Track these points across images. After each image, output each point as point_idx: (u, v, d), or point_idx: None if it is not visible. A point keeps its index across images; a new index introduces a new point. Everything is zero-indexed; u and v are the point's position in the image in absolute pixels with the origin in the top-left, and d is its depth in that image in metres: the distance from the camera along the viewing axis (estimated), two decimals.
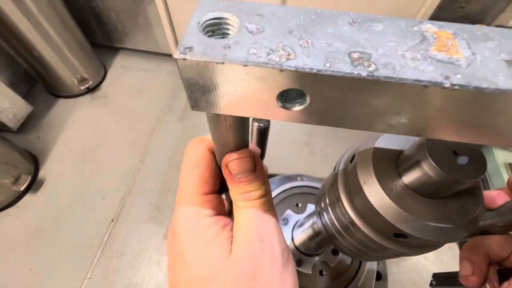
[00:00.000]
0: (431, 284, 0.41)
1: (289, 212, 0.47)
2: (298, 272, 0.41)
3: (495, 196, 0.24)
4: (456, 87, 0.10)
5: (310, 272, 0.42)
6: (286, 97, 0.12)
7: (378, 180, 0.17)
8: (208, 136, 0.23)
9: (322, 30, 0.11)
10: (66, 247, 1.35)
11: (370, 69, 0.10)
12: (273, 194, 0.49)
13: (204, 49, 0.10)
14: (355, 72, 0.10)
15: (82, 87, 1.84)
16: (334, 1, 1.54)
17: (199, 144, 0.24)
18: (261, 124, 0.30)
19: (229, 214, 0.25)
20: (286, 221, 0.46)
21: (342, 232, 0.23)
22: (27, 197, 1.46)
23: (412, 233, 0.16)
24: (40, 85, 1.90)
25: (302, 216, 0.46)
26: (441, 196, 0.18)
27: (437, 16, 1.47)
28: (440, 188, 0.16)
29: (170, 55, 2.13)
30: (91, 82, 1.87)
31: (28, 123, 1.68)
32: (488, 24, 1.43)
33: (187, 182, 0.23)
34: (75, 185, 1.52)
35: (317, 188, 0.49)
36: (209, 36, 0.11)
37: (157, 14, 1.91)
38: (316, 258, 0.43)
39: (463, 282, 0.24)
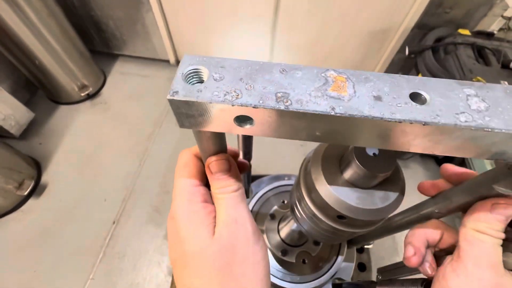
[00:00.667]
0: (377, 279, 0.46)
1: (276, 208, 0.52)
2: (284, 261, 0.46)
3: (431, 186, 0.30)
4: (338, 114, 0.15)
5: (294, 261, 0.47)
6: (240, 119, 0.17)
7: (325, 176, 0.23)
8: (195, 147, 0.29)
9: (262, 77, 0.16)
10: (69, 249, 1.39)
11: (287, 104, 0.16)
12: (261, 192, 0.54)
13: (185, 92, 0.16)
14: (276, 107, 0.16)
15: (82, 94, 1.89)
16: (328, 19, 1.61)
17: (188, 152, 0.31)
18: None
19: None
20: (273, 216, 0.51)
21: (309, 222, 0.29)
22: (30, 201, 1.51)
23: (348, 215, 0.22)
24: (41, 92, 1.95)
25: (287, 212, 0.51)
26: (370, 186, 0.23)
27: (424, 21, 1.53)
28: (366, 180, 0.22)
29: (167, 61, 2.19)
30: (91, 89, 1.92)
31: (30, 130, 1.73)
32: (472, 28, 1.50)
33: (180, 179, 0.29)
34: (77, 189, 1.57)
35: None
36: (189, 82, 0.16)
37: (155, 21, 1.97)
38: (300, 249, 0.48)
39: (406, 262, 0.29)
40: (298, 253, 0.48)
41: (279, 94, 0.16)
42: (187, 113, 0.17)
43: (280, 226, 0.49)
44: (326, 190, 0.24)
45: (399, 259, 1.58)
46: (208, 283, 0.24)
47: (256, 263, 0.25)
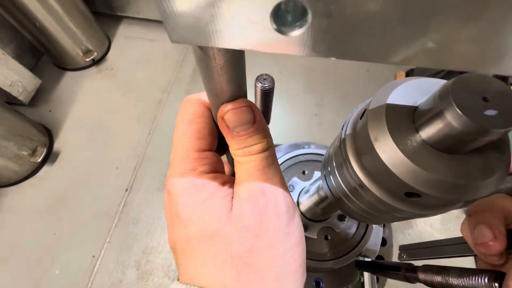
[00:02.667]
0: (400, 257, 0.41)
1: (295, 179, 0.47)
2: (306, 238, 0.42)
3: None
4: None
5: (316, 237, 0.42)
6: (282, 15, 0.10)
7: (392, 135, 0.16)
8: (204, 93, 0.22)
9: None
10: (85, 214, 1.43)
11: None
12: (280, 161, 0.49)
13: None
14: None
15: (87, 59, 1.81)
16: None
17: (195, 100, 0.23)
18: (265, 85, 0.28)
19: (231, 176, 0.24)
20: (292, 188, 0.46)
21: (350, 195, 0.22)
22: (45, 168, 1.53)
23: (425, 191, 0.16)
24: (46, 58, 1.89)
25: (308, 183, 0.45)
26: (463, 151, 0.16)
27: None
28: (463, 141, 0.15)
29: None
30: (96, 53, 1.84)
31: (38, 97, 1.70)
32: None
33: (182, 138, 0.21)
34: (89, 156, 1.57)
35: (323, 155, 0.49)
36: None
37: None
38: (322, 224, 0.43)
39: (482, 250, 0.21)
40: (320, 229, 0.43)
41: None
42: (184, 6, 0.10)
43: (300, 199, 0.44)
44: (393, 154, 0.16)
45: (412, 232, 1.55)
46: (220, 274, 0.18)
47: (288, 249, 0.19)
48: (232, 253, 0.18)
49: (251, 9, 0.09)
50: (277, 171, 0.20)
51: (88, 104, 1.75)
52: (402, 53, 0.10)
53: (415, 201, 0.17)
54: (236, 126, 0.19)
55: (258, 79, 0.26)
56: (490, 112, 0.13)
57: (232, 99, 0.18)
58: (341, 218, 0.44)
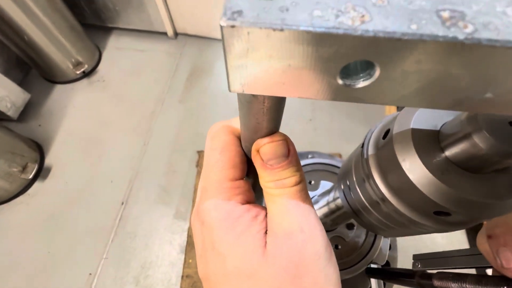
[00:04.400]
0: (414, 266, 0.41)
1: None
2: None
3: None
4: None
5: None
6: (351, 70, 0.10)
7: (419, 156, 0.17)
8: (233, 122, 0.22)
9: None
10: (80, 230, 1.39)
11: (468, 30, 0.08)
12: None
13: (257, 13, 0.09)
14: (450, 35, 0.08)
15: (77, 72, 1.79)
16: None
17: (226, 128, 0.23)
18: None
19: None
20: None
21: (370, 208, 0.23)
22: (36, 185, 1.48)
23: (457, 210, 0.16)
24: (34, 71, 1.85)
25: (316, 193, 0.46)
26: (488, 170, 0.17)
27: None
28: (490, 161, 0.15)
29: (165, 34, 2.05)
30: (86, 66, 1.82)
31: (28, 112, 1.66)
32: None
33: (215, 167, 0.21)
34: (82, 171, 1.53)
35: (329, 165, 0.49)
36: None
37: None
38: (331, 234, 0.44)
39: (510, 274, 0.20)
40: (330, 239, 0.44)
41: (444, 14, 0.09)
42: (253, 60, 0.10)
43: None
44: (422, 175, 0.16)
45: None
46: None
47: None
48: None
49: (322, 67, 0.10)
50: (311, 206, 0.20)
51: (80, 118, 1.72)
52: (456, 102, 0.11)
53: (443, 219, 0.18)
54: (271, 159, 0.19)
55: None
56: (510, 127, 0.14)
57: (269, 132, 0.18)
58: (350, 227, 0.44)
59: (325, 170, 0.49)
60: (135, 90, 1.84)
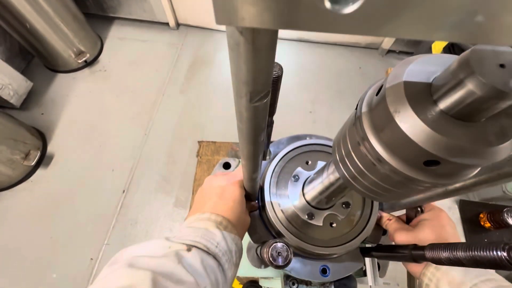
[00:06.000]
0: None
1: (299, 169, 0.48)
2: (310, 225, 0.43)
3: None
4: None
5: (321, 224, 0.43)
6: None
7: (412, 106, 0.17)
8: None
9: None
10: (82, 217, 1.41)
11: None
12: (283, 152, 0.49)
13: None
14: None
15: (79, 61, 1.79)
16: None
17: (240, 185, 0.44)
18: (274, 72, 0.29)
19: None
20: (297, 178, 0.47)
21: (366, 171, 0.23)
22: (39, 172, 1.50)
23: (446, 157, 0.17)
24: (37, 60, 1.86)
25: (312, 173, 0.46)
26: (479, 118, 0.17)
27: None
28: (482, 108, 0.16)
29: (167, 24, 2.04)
30: (88, 55, 1.82)
31: (30, 100, 1.67)
32: None
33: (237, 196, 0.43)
34: (84, 159, 1.55)
35: (326, 145, 0.50)
36: None
37: None
38: (327, 211, 0.44)
39: None
40: (325, 216, 0.44)
41: None
42: None
43: (305, 189, 0.45)
44: (414, 124, 0.17)
45: None
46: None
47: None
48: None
49: None
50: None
51: (82, 106, 1.72)
52: (448, 30, 0.10)
53: (434, 170, 0.18)
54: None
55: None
56: (501, 69, 0.14)
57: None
58: (346, 206, 0.45)
59: (322, 151, 0.49)
60: (137, 80, 1.84)
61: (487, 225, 1.33)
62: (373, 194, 0.25)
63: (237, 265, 0.38)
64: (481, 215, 1.39)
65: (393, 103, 0.18)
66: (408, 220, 0.48)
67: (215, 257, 0.33)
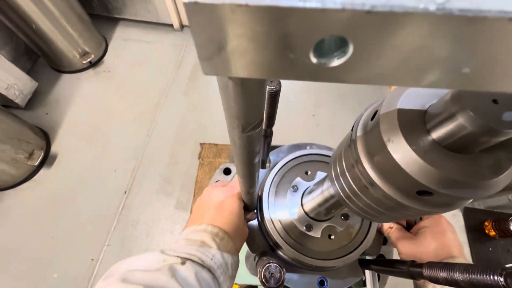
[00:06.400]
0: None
1: (298, 179, 0.47)
2: (308, 236, 0.42)
3: None
4: None
5: (319, 236, 0.43)
6: (321, 51, 0.10)
7: (404, 136, 0.17)
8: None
9: None
10: (83, 217, 1.42)
11: (439, 0, 0.08)
12: (283, 162, 0.49)
13: None
14: (421, 6, 0.08)
15: (84, 62, 1.80)
16: None
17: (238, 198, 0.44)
18: (272, 87, 0.29)
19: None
20: (295, 188, 0.47)
21: (359, 193, 0.23)
22: (42, 171, 1.51)
23: (438, 189, 0.16)
24: (42, 60, 1.87)
25: (311, 183, 0.46)
26: (473, 151, 0.17)
27: None
28: (474, 141, 0.16)
29: (171, 25, 2.05)
30: (93, 56, 1.83)
31: (35, 100, 1.69)
32: None
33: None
34: (87, 159, 1.56)
35: (326, 156, 0.49)
36: None
37: None
38: (326, 223, 0.44)
39: None
40: (324, 228, 0.44)
41: None
42: (221, 40, 0.10)
43: (304, 200, 0.45)
44: (406, 154, 0.17)
45: None
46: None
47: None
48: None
49: (292, 49, 0.10)
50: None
51: (86, 107, 1.74)
52: (433, 78, 0.10)
53: (427, 199, 0.18)
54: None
55: (265, 82, 0.26)
56: (507, 115, 0.14)
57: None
58: (345, 217, 0.44)
59: (322, 161, 0.49)
60: (140, 81, 1.85)
61: (492, 233, 1.31)
62: (367, 214, 0.24)
63: (233, 277, 0.38)
64: (486, 223, 1.37)
65: (386, 132, 0.17)
66: (408, 226, 0.49)
67: (210, 270, 0.33)
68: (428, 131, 0.17)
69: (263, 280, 0.34)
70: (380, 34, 0.09)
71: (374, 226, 0.44)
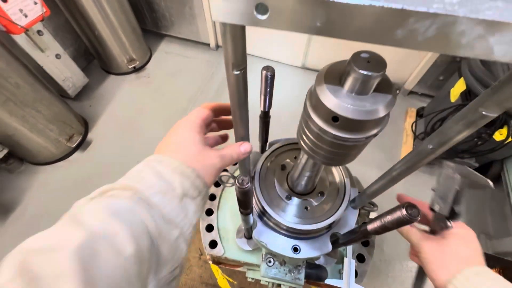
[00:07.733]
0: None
1: (287, 161, 0.56)
2: (288, 205, 0.51)
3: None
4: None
5: (297, 206, 0.51)
6: (261, 10, 0.19)
7: (328, 88, 0.27)
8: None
9: None
10: None
11: None
12: (275, 146, 0.58)
13: None
14: None
15: (130, 66, 2.07)
16: None
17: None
18: (268, 72, 0.41)
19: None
20: (284, 167, 0.55)
21: (316, 141, 0.33)
22: (76, 154, 1.71)
23: (342, 114, 0.26)
24: (96, 62, 2.18)
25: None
26: (366, 92, 0.27)
27: None
28: (362, 85, 0.26)
29: (208, 45, 2.31)
30: (137, 62, 2.11)
31: (83, 93, 1.95)
32: None
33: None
34: (116, 149, 1.74)
35: None
36: None
37: (201, 4, 2.09)
38: (305, 197, 0.52)
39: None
40: (302, 201, 0.52)
41: None
42: None
43: (288, 176, 0.53)
44: (327, 95, 0.28)
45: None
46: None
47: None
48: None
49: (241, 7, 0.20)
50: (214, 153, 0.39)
51: (124, 105, 1.97)
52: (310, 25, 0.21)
53: (337, 124, 0.28)
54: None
55: (263, 68, 0.39)
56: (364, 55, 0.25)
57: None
58: (321, 194, 0.52)
59: None
60: (174, 89, 2.07)
61: None
62: (326, 159, 0.34)
63: (193, 198, 0.34)
64: (493, 270, 1.30)
65: (318, 88, 0.28)
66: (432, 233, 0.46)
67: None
68: (341, 83, 0.28)
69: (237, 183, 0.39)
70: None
71: (345, 203, 0.52)
